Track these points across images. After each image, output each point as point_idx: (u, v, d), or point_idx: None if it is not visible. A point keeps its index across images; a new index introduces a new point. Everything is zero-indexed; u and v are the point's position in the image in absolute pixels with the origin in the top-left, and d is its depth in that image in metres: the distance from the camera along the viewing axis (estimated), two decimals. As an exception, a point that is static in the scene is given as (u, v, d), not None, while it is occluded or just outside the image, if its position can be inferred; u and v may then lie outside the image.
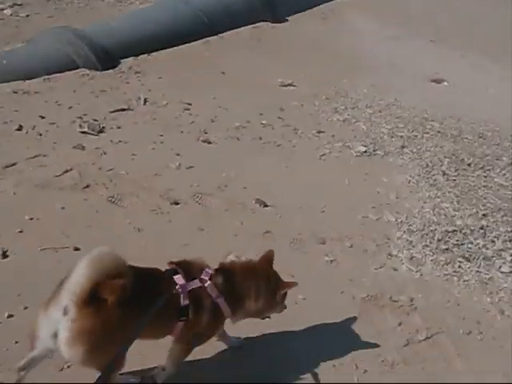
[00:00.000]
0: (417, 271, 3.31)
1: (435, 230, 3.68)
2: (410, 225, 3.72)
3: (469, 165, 4.69)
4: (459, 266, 3.41)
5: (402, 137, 5.01)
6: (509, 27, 9.32)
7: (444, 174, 4.46)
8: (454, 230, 3.71)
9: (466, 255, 3.52)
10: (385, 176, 4.33)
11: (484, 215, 3.96)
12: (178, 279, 2.07)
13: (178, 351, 2.20)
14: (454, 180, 4.40)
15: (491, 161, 4.83)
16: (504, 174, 4.66)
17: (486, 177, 4.56)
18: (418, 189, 4.21)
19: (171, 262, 2.15)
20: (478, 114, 5.91)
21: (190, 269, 2.14)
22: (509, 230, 3.83)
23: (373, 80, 6.39)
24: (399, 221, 3.76)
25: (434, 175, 4.42)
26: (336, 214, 3.73)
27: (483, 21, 10.14)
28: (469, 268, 3.42)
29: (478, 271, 3.40)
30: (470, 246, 3.61)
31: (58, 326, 1.83)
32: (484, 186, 4.40)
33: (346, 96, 5.77)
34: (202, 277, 2.12)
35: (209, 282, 2.12)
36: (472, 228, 3.79)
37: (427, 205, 3.99)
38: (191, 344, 2.22)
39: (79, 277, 1.78)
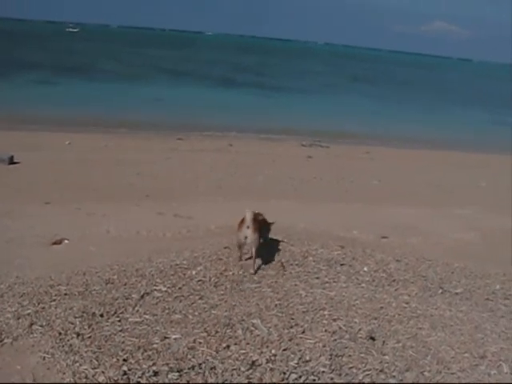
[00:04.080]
0: None
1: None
2: (52, 405, 3.75)
3: (101, 315, 4.94)
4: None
5: (29, 314, 5.02)
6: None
7: (78, 335, 4.62)
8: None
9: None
10: (18, 363, 4.29)
11: (125, 360, 4.24)
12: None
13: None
14: (90, 337, 4.58)
15: (122, 303, 5.19)
16: (137, 311, 5.06)
17: (120, 321, 4.87)
18: (55, 362, 4.26)
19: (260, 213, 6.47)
20: (103, 260, 6.39)
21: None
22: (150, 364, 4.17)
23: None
24: (41, 405, 3.75)
25: (68, 341, 4.53)
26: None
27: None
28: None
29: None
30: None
31: (246, 232, 5.89)
32: (120, 331, 4.70)
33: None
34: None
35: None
36: (115, 378, 4.02)
37: (67, 375, 4.06)
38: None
39: (248, 217, 5.86)
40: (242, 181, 11.87)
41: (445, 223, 9.51)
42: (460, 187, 13.43)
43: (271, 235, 6.85)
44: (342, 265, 6.37)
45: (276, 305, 5.19)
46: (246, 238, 5.98)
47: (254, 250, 6.04)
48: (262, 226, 6.33)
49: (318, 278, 5.93)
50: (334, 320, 4.96)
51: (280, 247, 6.76)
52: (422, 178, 14.52)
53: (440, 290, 5.94)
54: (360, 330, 4.83)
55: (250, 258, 6.17)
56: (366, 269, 6.32)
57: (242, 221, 5.99)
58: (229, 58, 69.83)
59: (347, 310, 5.18)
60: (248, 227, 5.93)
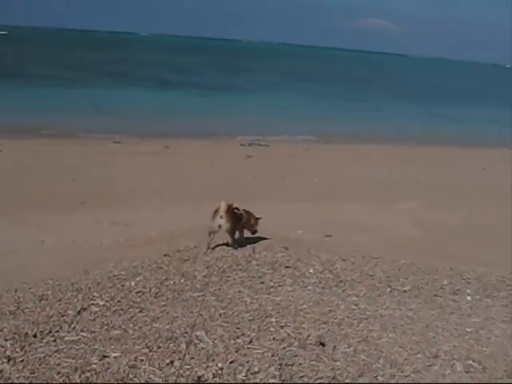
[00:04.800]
0: None
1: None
2: None
3: (35, 336, 4.59)
4: None
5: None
6: None
7: (10, 359, 4.26)
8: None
9: None
10: None
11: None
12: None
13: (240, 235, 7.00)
14: (22, 361, 4.23)
15: (57, 320, 4.85)
16: (73, 328, 4.73)
17: (55, 340, 4.53)
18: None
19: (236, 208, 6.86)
20: (36, 274, 6.02)
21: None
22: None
23: None
24: None
25: (-2, 367, 4.20)
26: None
27: None
28: None
29: None
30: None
31: (220, 221, 6.49)
32: (56, 352, 4.36)
33: None
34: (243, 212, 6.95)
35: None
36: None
37: (-4, 405, 3.75)
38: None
39: (222, 207, 6.47)
40: (181, 184, 11.54)
41: (388, 218, 9.51)
42: (401, 181, 13.52)
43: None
44: (286, 267, 6.19)
45: (220, 314, 4.95)
46: (219, 226, 6.57)
47: (230, 237, 6.72)
48: (243, 220, 6.94)
49: (262, 282, 5.74)
50: (282, 327, 4.76)
51: (222, 252, 6.55)
52: (362, 173, 14.56)
53: (388, 289, 5.84)
54: (309, 335, 4.65)
55: (218, 245, 6.82)
56: (311, 270, 6.17)
57: (217, 210, 6.61)
58: (165, 59, 68.89)
59: (295, 315, 4.99)
60: (221, 217, 6.51)
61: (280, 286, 5.68)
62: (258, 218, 7.19)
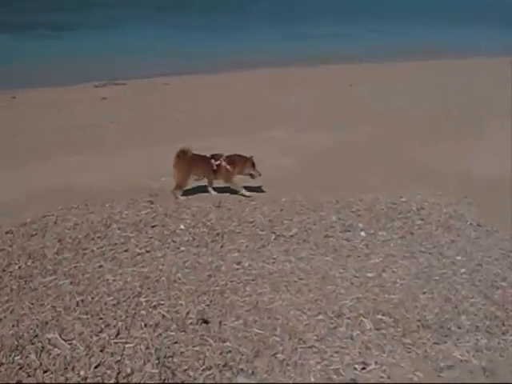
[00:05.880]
0: None
1: None
2: None
3: None
4: None
5: None
6: None
7: None
8: None
9: None
10: None
11: None
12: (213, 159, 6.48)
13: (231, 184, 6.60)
14: None
15: None
16: None
17: None
18: None
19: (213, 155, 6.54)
20: None
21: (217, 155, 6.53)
22: None
23: None
24: None
25: None
26: None
27: None
28: None
29: None
30: None
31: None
32: None
33: None
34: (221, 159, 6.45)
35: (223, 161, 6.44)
36: None
37: None
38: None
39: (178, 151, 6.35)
40: (27, 140, 10.08)
41: (259, 150, 8.81)
42: (269, 108, 12.86)
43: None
44: (153, 226, 5.36)
45: (78, 302, 4.03)
46: None
47: (175, 184, 6.33)
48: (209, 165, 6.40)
49: (126, 250, 4.87)
50: (154, 307, 3.95)
51: (75, 218, 5.56)
52: (226, 103, 13.76)
53: (273, 236, 5.17)
54: (188, 313, 3.88)
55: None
56: (182, 226, 5.37)
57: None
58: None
59: (168, 289, 4.18)
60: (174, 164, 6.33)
61: (147, 251, 4.84)
62: (247, 160, 6.56)
